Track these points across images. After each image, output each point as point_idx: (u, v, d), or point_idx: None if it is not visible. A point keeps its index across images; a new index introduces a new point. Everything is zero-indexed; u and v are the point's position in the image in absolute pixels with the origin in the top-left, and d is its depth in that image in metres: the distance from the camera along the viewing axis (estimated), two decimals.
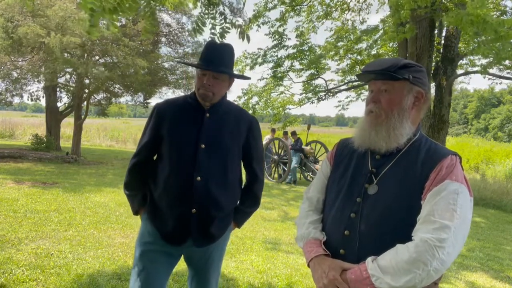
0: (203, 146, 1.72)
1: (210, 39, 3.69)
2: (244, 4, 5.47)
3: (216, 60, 1.72)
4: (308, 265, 1.32)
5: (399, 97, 1.24)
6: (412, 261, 1.06)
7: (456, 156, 1.22)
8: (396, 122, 1.23)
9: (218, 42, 1.94)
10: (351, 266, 1.19)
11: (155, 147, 1.80)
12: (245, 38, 3.75)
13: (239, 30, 3.82)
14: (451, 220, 1.08)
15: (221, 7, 4.14)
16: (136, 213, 1.87)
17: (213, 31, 3.95)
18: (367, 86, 1.39)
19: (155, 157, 1.85)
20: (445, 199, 1.11)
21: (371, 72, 1.28)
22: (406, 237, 1.13)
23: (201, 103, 1.78)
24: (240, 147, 1.84)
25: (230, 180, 1.80)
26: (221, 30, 3.92)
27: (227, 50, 1.78)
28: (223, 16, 4.01)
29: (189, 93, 1.86)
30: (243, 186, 1.94)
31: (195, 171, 1.70)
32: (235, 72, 1.90)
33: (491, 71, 8.07)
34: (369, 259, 1.15)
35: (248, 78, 2.04)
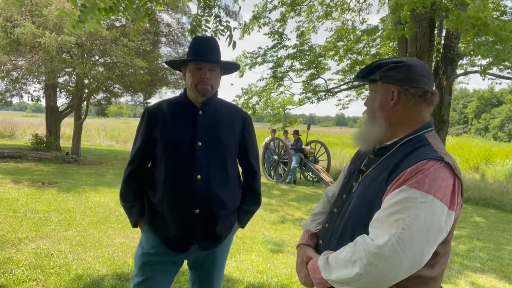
0: (200, 144, 1.67)
1: None
2: (240, 7, 5.49)
3: (209, 52, 1.69)
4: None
5: (371, 99, 1.28)
6: (347, 261, 1.06)
7: (439, 162, 1.07)
8: (368, 124, 1.27)
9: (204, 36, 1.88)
10: (316, 256, 1.26)
11: (148, 152, 1.73)
12: (232, 44, 3.73)
13: (227, 33, 3.81)
14: (395, 228, 1.00)
15: (216, 10, 4.14)
16: (135, 225, 1.79)
17: (204, 33, 3.95)
18: (367, 86, 1.41)
19: (149, 165, 1.80)
20: (396, 205, 1.03)
21: (357, 77, 1.33)
22: None
23: (193, 100, 1.74)
24: (236, 143, 1.80)
25: (230, 177, 1.77)
26: (212, 33, 3.92)
27: (216, 42, 1.76)
28: (218, 19, 4.01)
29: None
30: (242, 184, 1.91)
31: (194, 170, 1.65)
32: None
33: (491, 71, 8.06)
34: (324, 252, 1.21)
35: (238, 65, 1.95)
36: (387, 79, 1.21)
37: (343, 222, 1.24)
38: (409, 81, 1.19)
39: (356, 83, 10.81)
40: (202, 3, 4.06)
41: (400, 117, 1.22)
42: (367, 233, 1.09)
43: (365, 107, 1.33)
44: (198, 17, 4.05)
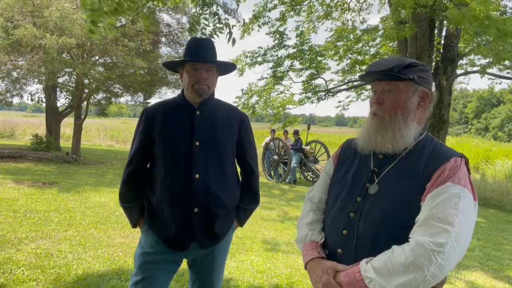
0: (197, 143, 1.70)
1: None
2: (238, 5, 5.48)
3: (205, 53, 1.72)
4: (305, 268, 1.32)
5: (404, 98, 1.22)
6: (408, 265, 1.03)
7: (462, 158, 1.18)
8: (401, 123, 1.21)
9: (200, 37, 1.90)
10: (345, 268, 1.17)
11: (147, 153, 1.75)
12: (231, 41, 3.72)
13: (227, 31, 3.81)
14: (451, 224, 1.04)
15: (214, 8, 4.14)
16: (134, 225, 1.81)
17: (203, 31, 3.95)
18: (367, 86, 1.40)
19: (148, 165, 1.81)
20: (446, 202, 1.07)
21: (375, 72, 1.25)
22: (403, 238, 1.10)
23: (191, 101, 1.76)
24: (234, 143, 1.83)
25: (228, 176, 1.79)
26: (211, 31, 3.92)
27: (211, 43, 1.78)
28: (216, 17, 4.01)
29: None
30: (240, 183, 1.93)
31: (192, 169, 1.68)
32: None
33: (491, 71, 8.07)
34: (363, 261, 1.13)
35: (234, 65, 1.95)
36: (421, 81, 1.23)
37: (370, 226, 1.19)
38: (431, 84, 1.26)
39: (356, 83, 10.81)
40: (200, 1, 4.06)
41: (421, 117, 1.27)
42: (408, 233, 1.10)
43: (376, 105, 1.26)
44: (196, 15, 4.05)
